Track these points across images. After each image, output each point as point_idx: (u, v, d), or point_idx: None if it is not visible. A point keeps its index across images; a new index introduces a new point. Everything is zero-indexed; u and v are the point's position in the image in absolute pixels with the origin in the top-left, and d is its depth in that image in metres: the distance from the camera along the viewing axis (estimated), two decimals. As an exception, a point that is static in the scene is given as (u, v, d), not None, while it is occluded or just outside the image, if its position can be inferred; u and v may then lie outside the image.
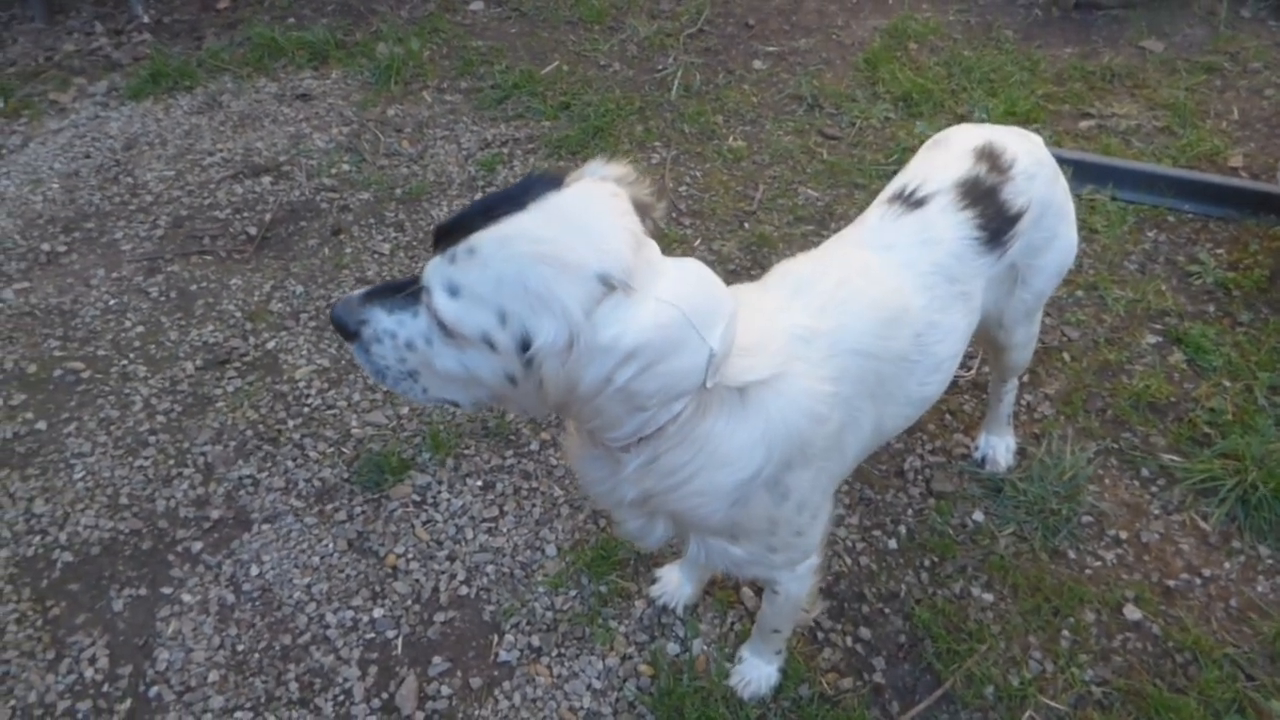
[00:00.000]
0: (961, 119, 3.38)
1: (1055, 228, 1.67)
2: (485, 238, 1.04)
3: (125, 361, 2.66)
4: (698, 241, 2.98)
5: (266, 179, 3.35)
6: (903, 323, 1.41)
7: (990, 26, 3.99)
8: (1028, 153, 1.61)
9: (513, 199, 1.07)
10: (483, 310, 1.04)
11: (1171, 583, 2.00)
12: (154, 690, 1.90)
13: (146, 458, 2.38)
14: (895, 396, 1.46)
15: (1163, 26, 3.86)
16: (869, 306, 1.38)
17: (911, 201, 1.51)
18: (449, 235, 1.08)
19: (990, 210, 1.51)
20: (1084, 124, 3.39)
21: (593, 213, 1.08)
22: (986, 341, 1.96)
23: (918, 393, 1.50)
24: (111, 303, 2.86)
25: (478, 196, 3.22)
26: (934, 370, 1.49)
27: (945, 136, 1.68)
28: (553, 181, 1.11)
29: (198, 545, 2.17)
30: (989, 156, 1.56)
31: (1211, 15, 3.86)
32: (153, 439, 2.43)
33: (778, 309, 1.34)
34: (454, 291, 1.05)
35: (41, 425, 2.47)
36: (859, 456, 1.53)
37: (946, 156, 1.59)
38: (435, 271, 1.08)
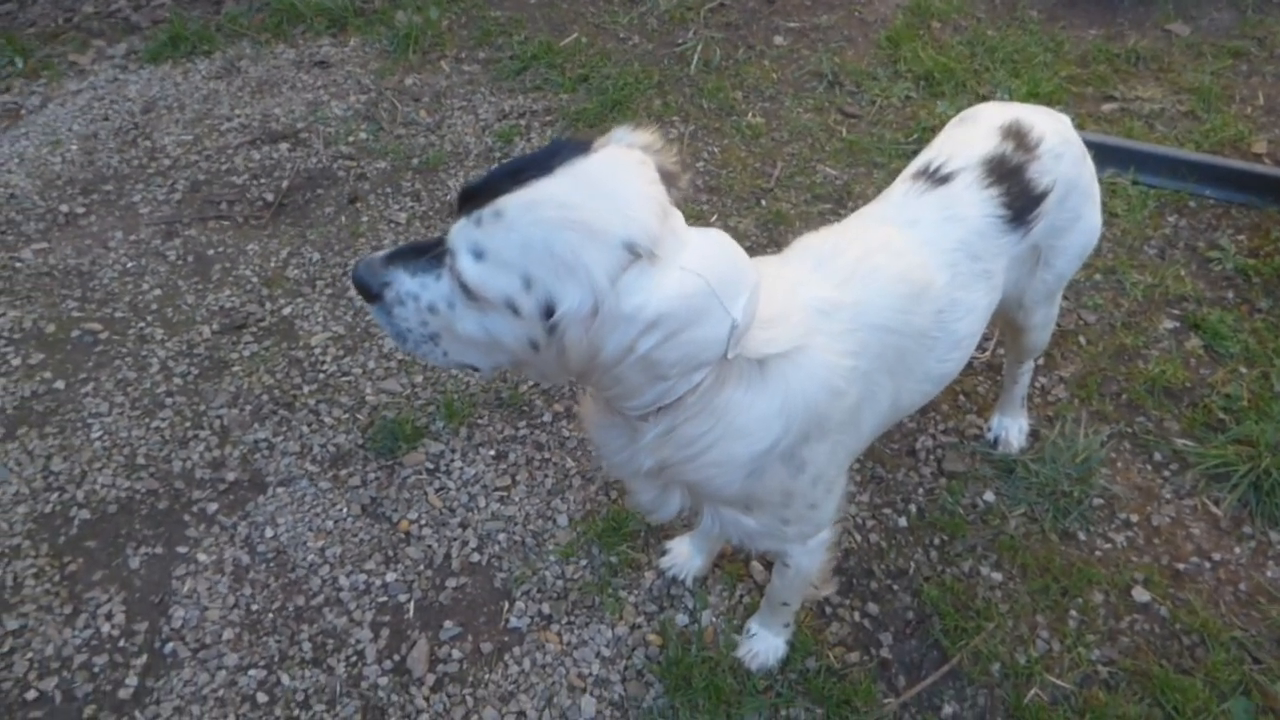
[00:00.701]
0: (983, 99, 3.32)
1: (1080, 209, 1.66)
2: (512, 201, 1.04)
3: (143, 324, 2.68)
4: (714, 218, 2.96)
5: (284, 145, 3.34)
6: (925, 299, 1.40)
7: (1014, 6, 3.93)
8: (1055, 131, 1.59)
9: (540, 163, 1.06)
10: (507, 274, 1.03)
11: (1181, 566, 2.01)
12: (169, 646, 1.93)
13: (163, 419, 2.41)
14: (914, 372, 1.46)
15: (1189, 10, 3.79)
16: (891, 281, 1.38)
17: (936, 178, 1.50)
18: (475, 198, 1.08)
19: (1015, 189, 1.50)
20: (1107, 107, 3.35)
21: (620, 179, 1.08)
22: (1005, 322, 1.95)
23: (937, 369, 1.49)
24: (129, 265, 2.87)
25: (494, 167, 3.21)
26: (954, 347, 1.48)
27: (973, 113, 1.66)
28: (580, 147, 1.10)
29: (213, 506, 2.20)
30: (1016, 134, 1.54)
31: (1241, -1, 3.80)
32: (169, 401, 2.45)
33: (799, 281, 1.34)
34: (479, 255, 1.05)
35: (60, 384, 2.49)
36: (875, 432, 1.53)
37: (973, 133, 1.57)
38: (460, 234, 1.07)
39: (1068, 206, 1.62)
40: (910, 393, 1.50)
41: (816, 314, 1.29)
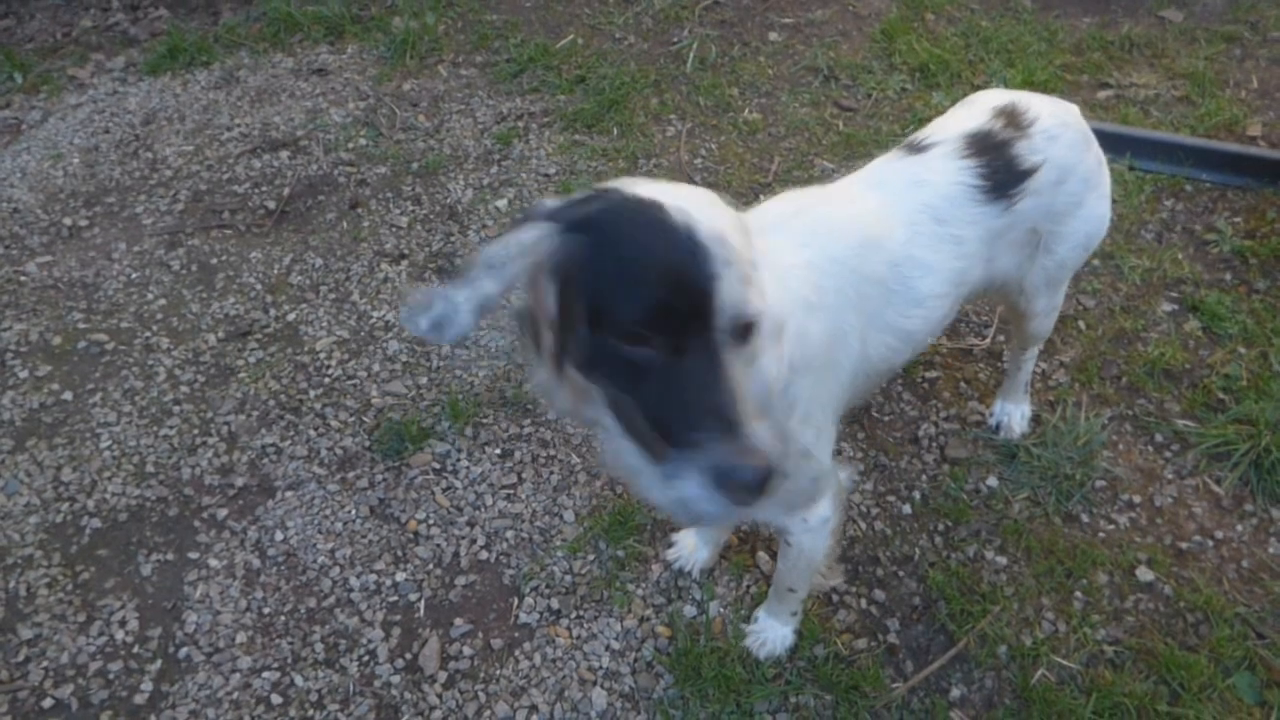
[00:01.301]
0: (979, 89, 3.35)
1: (1081, 195, 1.67)
2: None
3: (148, 333, 2.70)
4: (712, 214, 2.98)
5: (284, 153, 3.37)
6: (880, 248, 1.45)
7: (1007, -4, 3.94)
8: (1053, 115, 1.62)
9: None
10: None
11: (1184, 545, 2.02)
12: (183, 651, 1.95)
13: (171, 427, 2.43)
14: (876, 321, 1.50)
15: (1183, -5, 3.81)
16: (847, 225, 1.45)
17: (916, 148, 1.57)
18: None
19: (997, 163, 1.54)
20: (1102, 94, 3.36)
21: None
22: (1008, 308, 1.97)
23: (899, 323, 1.53)
24: (134, 276, 2.90)
25: (493, 170, 3.24)
26: (915, 305, 1.52)
27: (976, 96, 1.70)
28: None
29: (223, 512, 2.22)
30: (1009, 114, 1.59)
31: (1233, -17, 3.80)
32: (177, 409, 2.48)
33: (771, 226, 1.40)
34: None
35: (68, 395, 2.52)
36: (854, 379, 1.56)
37: (967, 113, 1.63)
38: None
39: (1066, 191, 1.64)
40: (877, 345, 1.54)
41: (784, 248, 1.35)
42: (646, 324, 1.00)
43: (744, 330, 1.03)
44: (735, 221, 1.11)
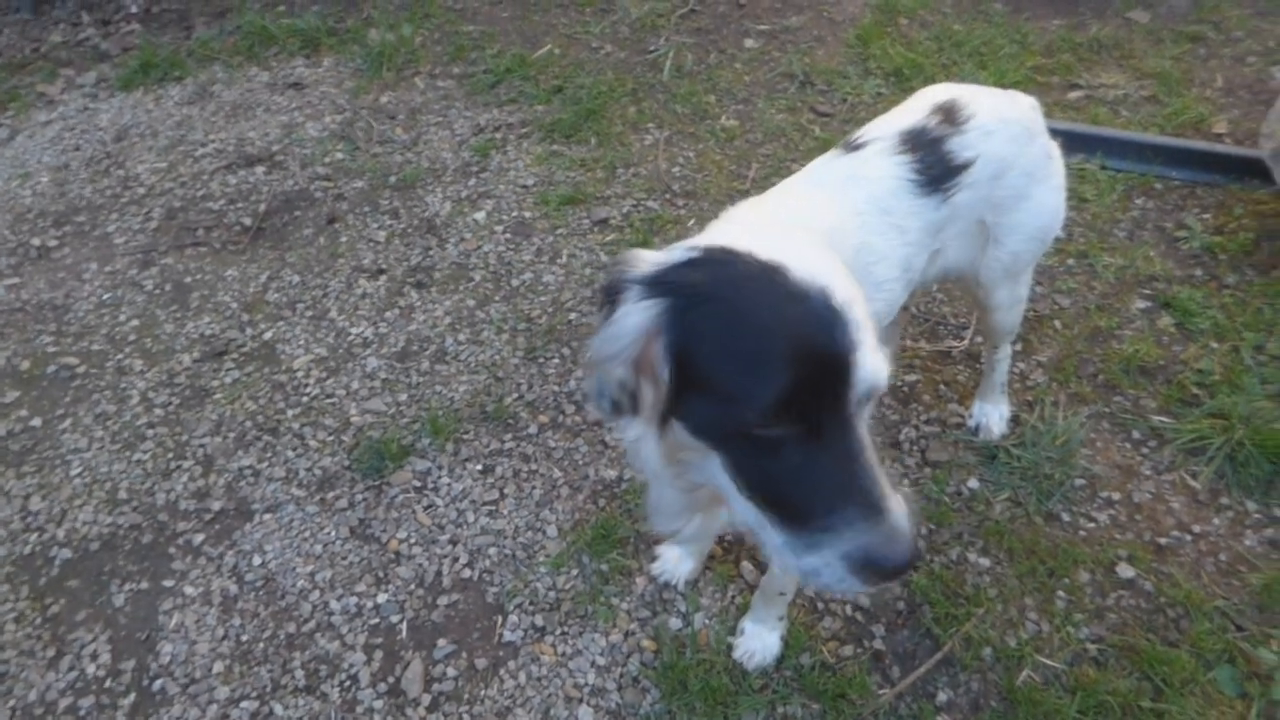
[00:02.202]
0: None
1: (1024, 189, 1.70)
2: None
3: (121, 355, 2.66)
4: (691, 222, 2.98)
5: (260, 169, 3.34)
6: (843, 234, 1.47)
7: (979, 0, 3.98)
8: (992, 111, 1.64)
9: None
10: None
11: (1163, 540, 2.04)
12: (158, 683, 1.91)
13: (145, 451, 2.39)
14: None
15: (1149, -4, 3.86)
16: (813, 219, 1.46)
17: (852, 147, 1.60)
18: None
19: (930, 158, 1.57)
20: (1073, 94, 3.40)
21: None
22: (971, 300, 2.00)
23: (866, 307, 1.56)
24: (105, 297, 2.85)
25: (472, 182, 3.22)
26: (876, 289, 1.55)
27: (921, 92, 1.74)
28: None
29: (199, 537, 2.18)
30: (946, 111, 1.62)
31: (1197, -16, 3.87)
32: (151, 432, 2.44)
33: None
34: None
35: (36, 422, 2.47)
36: None
37: (907, 109, 1.66)
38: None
39: (1006, 184, 1.67)
40: None
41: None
42: (782, 408, 0.95)
43: (874, 397, 1.00)
44: (843, 269, 1.06)
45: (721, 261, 1.02)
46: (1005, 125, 1.64)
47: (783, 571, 1.01)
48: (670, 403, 1.04)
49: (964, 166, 1.59)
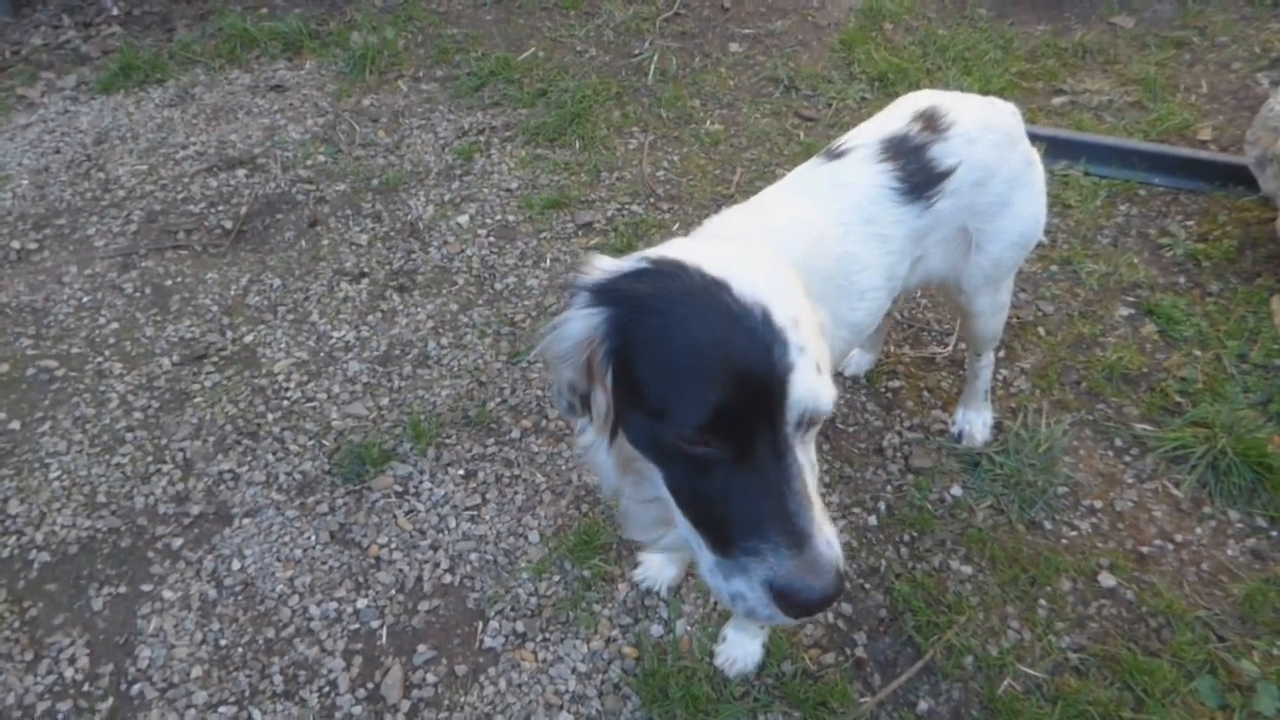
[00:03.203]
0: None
1: (1007, 195, 1.70)
2: None
3: (100, 359, 2.63)
4: (676, 226, 2.97)
5: (241, 172, 3.31)
6: (826, 244, 1.48)
7: (964, 5, 4.00)
8: (975, 118, 1.64)
9: None
10: None
11: (1145, 549, 2.04)
12: (136, 688, 1.89)
13: (124, 455, 2.36)
14: (834, 316, 1.52)
15: (1133, 2, 3.88)
16: (795, 229, 1.47)
17: (834, 155, 1.60)
18: None
19: (913, 165, 1.57)
20: (1057, 100, 3.41)
21: None
22: (954, 307, 2.00)
23: (849, 316, 1.57)
24: (85, 300, 2.82)
25: (455, 185, 3.21)
26: (859, 297, 1.56)
27: (902, 99, 1.73)
28: None
29: (178, 541, 2.16)
30: (927, 118, 1.62)
31: (1182, -10, 3.89)
32: (130, 436, 2.41)
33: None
34: None
35: (15, 425, 2.44)
36: None
37: (889, 117, 1.66)
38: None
39: (989, 191, 1.67)
40: (835, 339, 1.55)
41: None
42: (710, 428, 0.93)
43: (814, 422, 0.97)
44: (798, 288, 1.04)
45: (667, 274, 1.01)
46: (987, 132, 1.64)
47: (716, 595, 0.99)
48: (617, 413, 1.05)
49: (946, 174, 1.59)
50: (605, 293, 1.03)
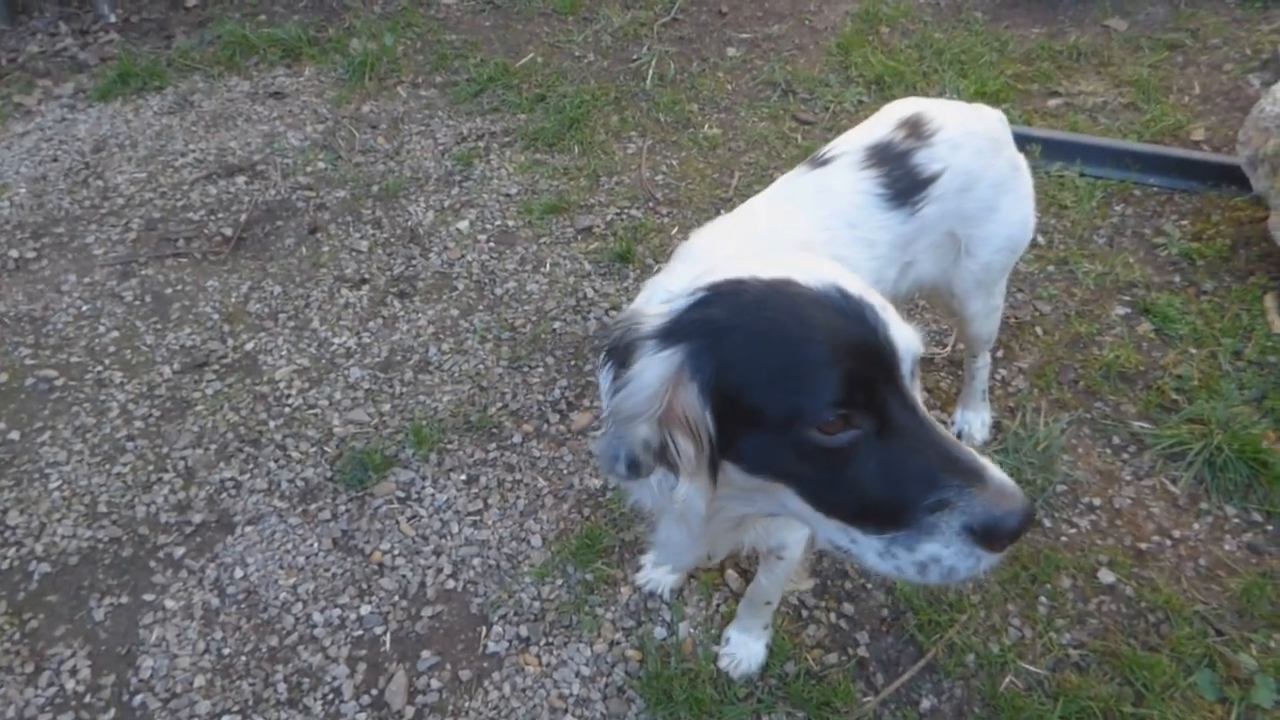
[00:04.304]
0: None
1: (993, 200, 1.72)
2: None
3: (100, 367, 2.63)
4: (675, 230, 2.99)
5: (241, 179, 3.32)
6: (813, 248, 1.48)
7: (959, 8, 4.02)
8: (959, 124, 1.65)
9: None
10: None
11: (1143, 545, 2.05)
12: (138, 698, 1.89)
13: (125, 464, 2.36)
14: None
15: (1126, 5, 3.91)
16: (783, 235, 1.48)
17: (819, 162, 1.62)
18: None
19: (897, 172, 1.58)
20: (1052, 102, 3.44)
21: None
22: (947, 311, 2.01)
23: None
24: (84, 308, 2.82)
25: (455, 191, 3.22)
26: None
27: (888, 107, 1.74)
28: None
29: (180, 550, 2.16)
30: (912, 125, 1.63)
31: (1173, -8, 3.93)
32: (131, 445, 2.41)
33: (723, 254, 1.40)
34: None
35: (14, 435, 2.44)
36: None
37: (873, 124, 1.67)
38: None
39: (975, 196, 1.68)
40: None
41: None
42: (849, 401, 0.92)
43: (917, 369, 1.00)
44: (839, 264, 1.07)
45: (732, 292, 1.00)
46: (971, 138, 1.66)
47: (897, 577, 0.97)
48: (718, 449, 1.01)
49: (931, 179, 1.60)
50: (674, 332, 0.99)
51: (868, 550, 0.99)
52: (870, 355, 0.95)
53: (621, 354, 1.02)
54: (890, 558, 0.97)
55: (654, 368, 0.98)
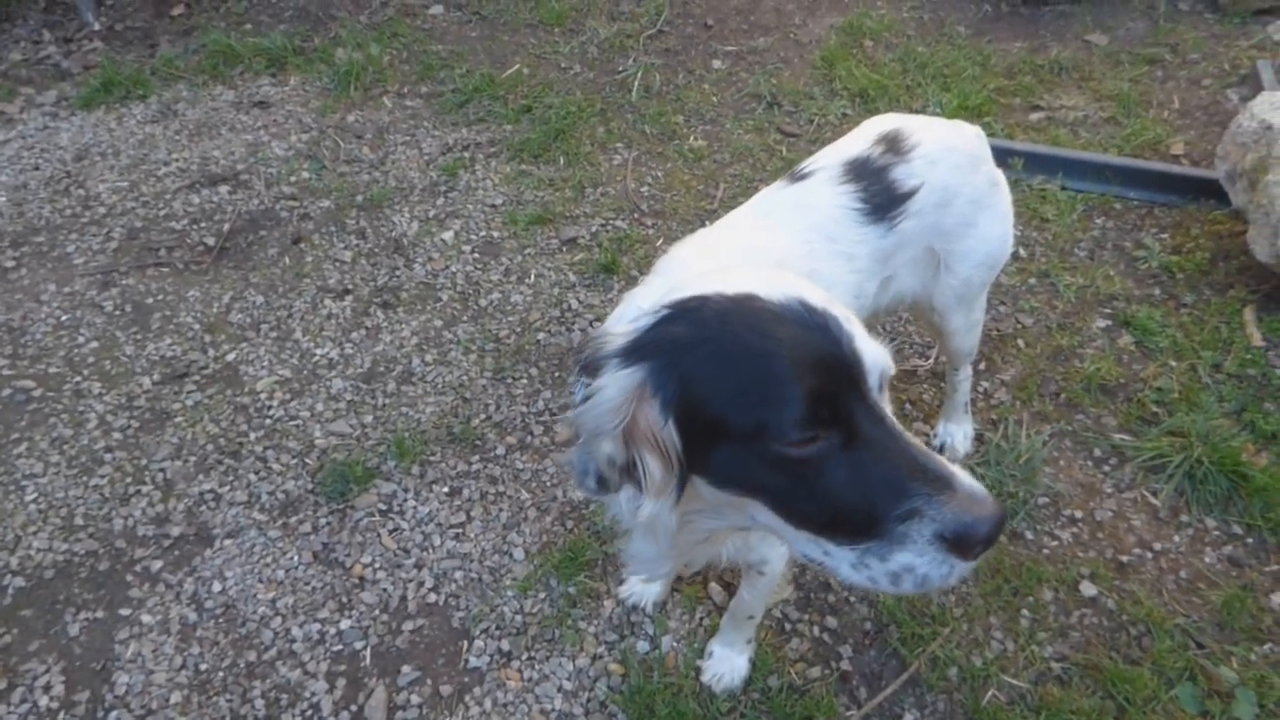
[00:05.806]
0: (916, 113, 3.43)
1: (971, 216, 1.73)
2: None
3: (79, 378, 2.60)
4: (660, 241, 2.99)
5: (224, 188, 3.30)
6: (792, 263, 1.48)
7: (943, 23, 4.07)
8: (937, 140, 1.67)
9: None
10: None
11: (1125, 558, 2.06)
12: (113, 715, 1.86)
13: (102, 476, 2.33)
14: None
15: (1106, 20, 3.97)
16: (761, 250, 1.49)
17: (798, 177, 1.63)
18: None
19: (875, 187, 1.59)
20: (1034, 116, 3.47)
21: None
22: (927, 325, 2.02)
23: None
24: (64, 318, 2.79)
25: (440, 201, 3.21)
26: None
27: (866, 123, 1.76)
28: None
29: (157, 564, 2.13)
30: (890, 140, 1.65)
31: (1151, 9, 3.98)
32: (109, 457, 2.38)
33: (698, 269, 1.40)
34: None
35: (-8, 446, 2.41)
36: None
37: (852, 140, 1.69)
38: None
39: (953, 212, 1.70)
40: None
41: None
42: (813, 418, 0.92)
43: (885, 382, 0.99)
44: (806, 278, 1.07)
45: (693, 308, 1.01)
46: (949, 154, 1.67)
47: (871, 588, 0.96)
48: (685, 465, 1.01)
49: (909, 194, 1.61)
50: (636, 350, 1.00)
51: (841, 562, 0.99)
52: (834, 367, 0.95)
53: (590, 371, 1.03)
54: (863, 568, 0.97)
55: (614, 385, 0.99)
